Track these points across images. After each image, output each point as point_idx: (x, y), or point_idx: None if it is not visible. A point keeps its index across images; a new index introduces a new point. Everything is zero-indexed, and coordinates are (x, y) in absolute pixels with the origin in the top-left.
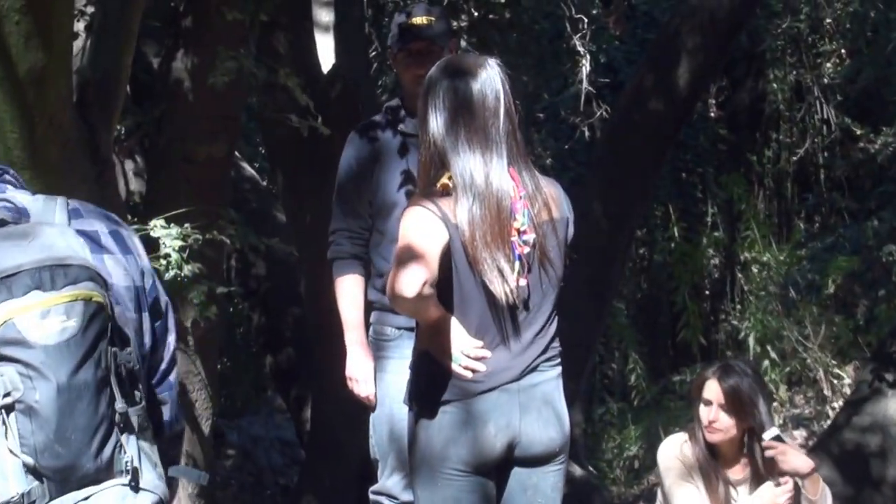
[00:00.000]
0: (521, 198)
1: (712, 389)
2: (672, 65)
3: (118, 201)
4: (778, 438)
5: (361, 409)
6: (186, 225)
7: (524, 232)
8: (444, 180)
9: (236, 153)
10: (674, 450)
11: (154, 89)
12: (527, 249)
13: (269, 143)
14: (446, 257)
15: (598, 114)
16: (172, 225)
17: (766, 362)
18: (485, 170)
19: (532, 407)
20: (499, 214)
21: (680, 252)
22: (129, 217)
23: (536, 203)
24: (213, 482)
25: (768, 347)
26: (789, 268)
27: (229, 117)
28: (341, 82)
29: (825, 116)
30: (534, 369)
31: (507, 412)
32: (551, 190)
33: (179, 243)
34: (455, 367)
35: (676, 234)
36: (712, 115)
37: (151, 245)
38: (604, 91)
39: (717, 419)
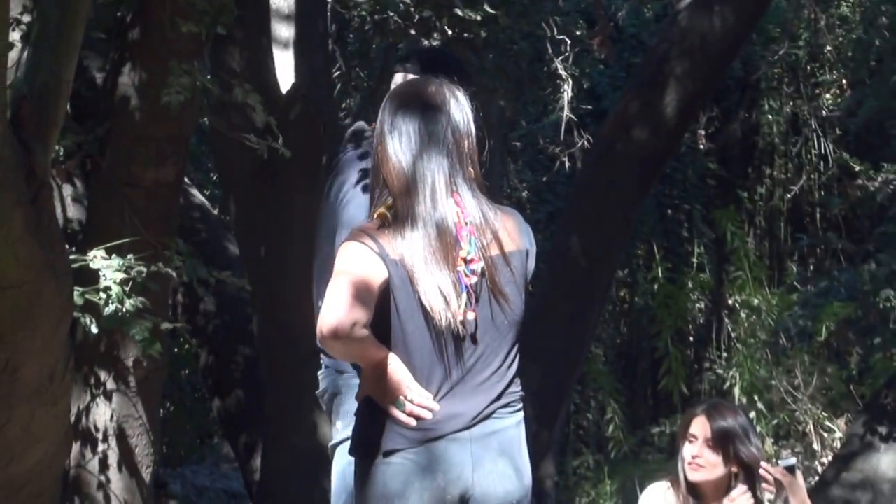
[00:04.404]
0: (466, 224)
1: (699, 425)
2: (659, 92)
3: (55, 228)
4: (791, 469)
5: (317, 458)
6: (129, 256)
7: (471, 261)
8: (381, 209)
9: (185, 178)
10: (657, 498)
11: (97, 107)
12: (474, 279)
13: (221, 168)
14: (386, 297)
15: (580, 143)
16: (114, 256)
17: (753, 414)
18: (426, 195)
19: (486, 458)
20: (441, 241)
21: (663, 294)
22: (67, 246)
23: (485, 233)
24: None
25: (755, 398)
26: (780, 313)
27: (179, 138)
28: (301, 103)
29: (822, 151)
30: (488, 416)
31: (457, 463)
32: (507, 220)
33: (121, 276)
34: (398, 413)
35: (660, 274)
36: (701, 147)
37: (90, 277)
38: (586, 119)
39: (700, 455)
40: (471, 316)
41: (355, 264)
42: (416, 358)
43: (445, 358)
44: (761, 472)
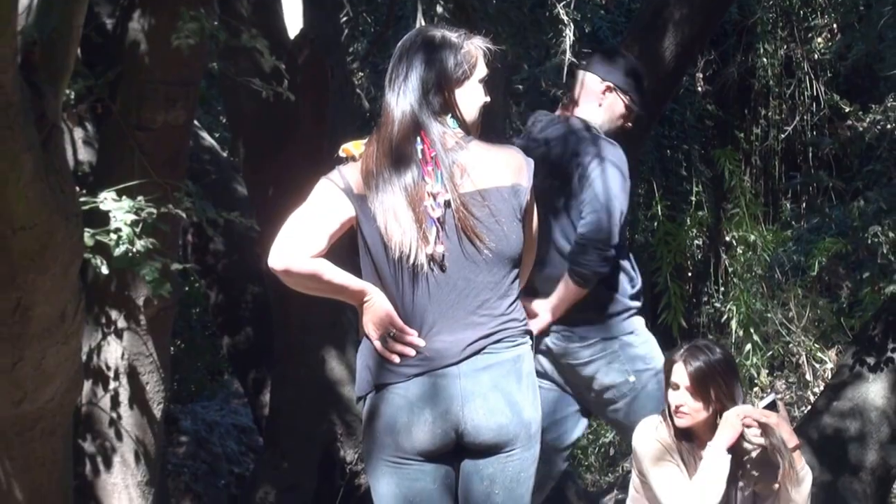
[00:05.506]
0: (431, 159)
1: (679, 373)
2: (658, 36)
3: (65, 170)
4: (772, 405)
5: (324, 393)
6: (140, 198)
7: (437, 194)
8: (347, 145)
9: (195, 121)
10: (649, 432)
11: (107, 51)
12: (440, 212)
13: (230, 111)
14: (355, 232)
15: None
16: (124, 198)
17: (749, 346)
18: (394, 133)
19: (476, 393)
20: (404, 176)
21: (663, 231)
22: (78, 189)
23: (455, 170)
24: (164, 470)
25: (752, 330)
26: (775, 248)
27: (188, 83)
28: (309, 48)
29: (814, 93)
30: (479, 352)
31: (445, 398)
32: (498, 157)
33: (131, 217)
34: (382, 349)
35: (660, 212)
36: (699, 89)
37: (101, 219)
38: None
39: (684, 403)
40: (440, 248)
41: (315, 199)
42: (395, 293)
43: (421, 294)
44: (745, 420)
